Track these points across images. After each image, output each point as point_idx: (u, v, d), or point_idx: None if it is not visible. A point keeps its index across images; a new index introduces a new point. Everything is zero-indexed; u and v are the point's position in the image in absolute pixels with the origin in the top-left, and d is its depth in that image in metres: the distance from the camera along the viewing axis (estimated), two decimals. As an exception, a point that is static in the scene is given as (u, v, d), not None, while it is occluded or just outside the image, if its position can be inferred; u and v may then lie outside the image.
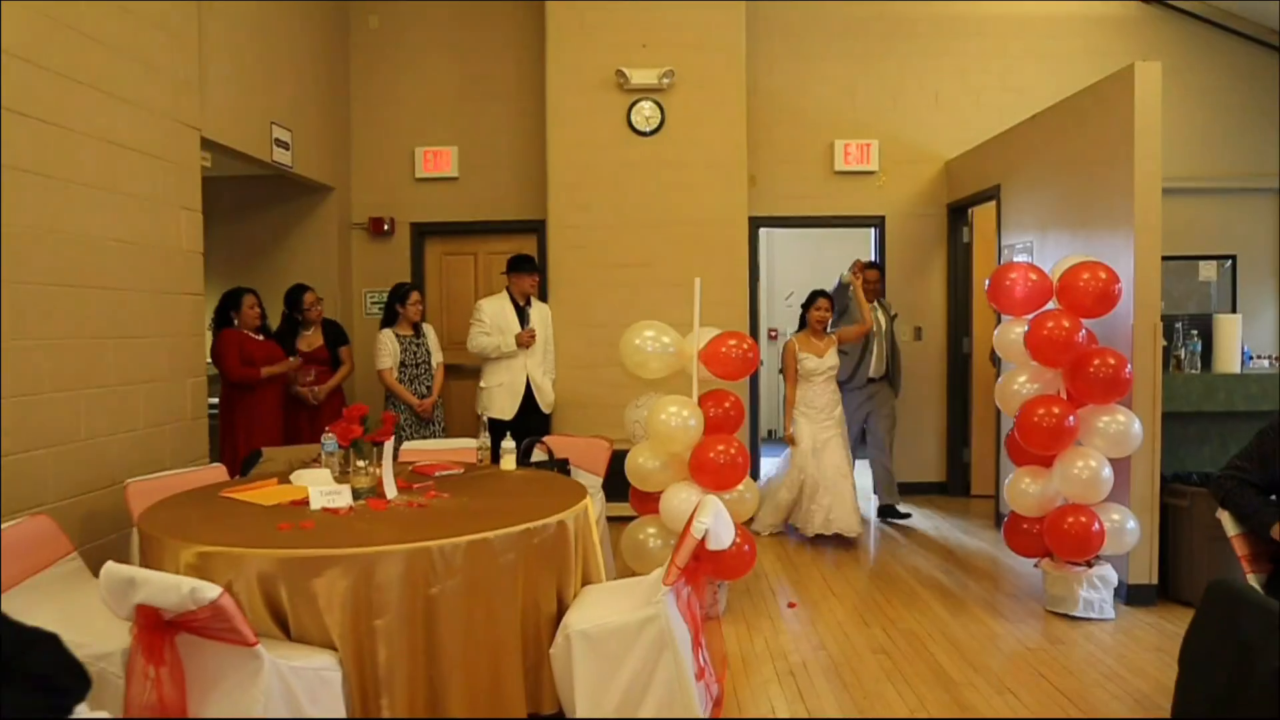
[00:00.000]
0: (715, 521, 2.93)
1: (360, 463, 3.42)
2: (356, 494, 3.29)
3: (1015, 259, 5.69)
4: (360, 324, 6.96)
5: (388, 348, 5.69)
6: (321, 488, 3.27)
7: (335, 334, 5.85)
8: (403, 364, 5.70)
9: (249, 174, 6.22)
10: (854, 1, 7.08)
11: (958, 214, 6.94)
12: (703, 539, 2.86)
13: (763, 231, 7.74)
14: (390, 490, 3.34)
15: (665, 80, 6.29)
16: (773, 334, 9.61)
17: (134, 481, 3.68)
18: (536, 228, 6.83)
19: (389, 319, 5.77)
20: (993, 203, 6.20)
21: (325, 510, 3.13)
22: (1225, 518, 3.06)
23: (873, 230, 7.17)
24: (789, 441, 5.85)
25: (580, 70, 6.38)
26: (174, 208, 4.61)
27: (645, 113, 6.37)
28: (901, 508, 6.41)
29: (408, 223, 7.08)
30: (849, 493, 5.71)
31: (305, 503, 3.21)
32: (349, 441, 3.29)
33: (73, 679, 1.79)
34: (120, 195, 4.14)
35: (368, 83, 7.06)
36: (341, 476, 3.56)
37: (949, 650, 3.92)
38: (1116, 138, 4.54)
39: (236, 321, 5.29)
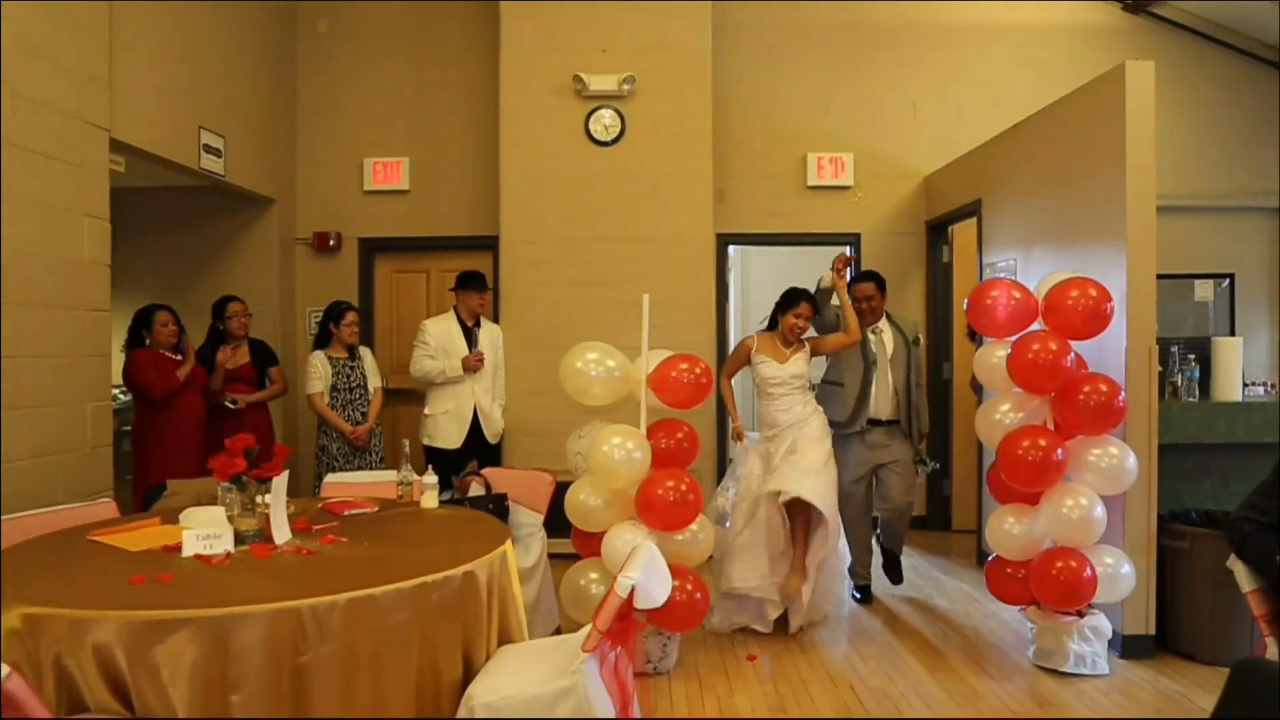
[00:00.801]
0: (646, 575, 2.49)
1: (262, 498, 2.99)
2: (240, 538, 2.85)
3: (999, 277, 5.30)
4: (304, 346, 6.49)
5: (318, 371, 5.26)
6: (199, 530, 2.81)
7: (263, 354, 5.41)
8: (335, 388, 5.26)
9: (183, 184, 5.82)
10: (829, 4, 6.75)
11: (937, 231, 6.57)
12: (630, 597, 2.43)
13: (738, 249, 7.38)
14: (280, 534, 2.89)
15: (626, 86, 5.91)
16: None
17: (8, 519, 3.22)
18: (492, 244, 6.41)
19: (322, 340, 5.34)
20: (973, 219, 5.83)
21: (197, 558, 2.69)
22: (1239, 569, 2.65)
23: (848, 248, 6.78)
24: (735, 438, 4.56)
25: (536, 76, 6.00)
26: (75, 215, 4.19)
27: (605, 121, 5.98)
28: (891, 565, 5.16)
29: (355, 238, 6.67)
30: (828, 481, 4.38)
31: (179, 548, 2.76)
32: (227, 477, 2.84)
33: None
34: (12, 200, 3.72)
35: (315, 90, 6.67)
36: (238, 516, 3.12)
37: (924, 714, 3.49)
38: (1107, 144, 4.18)
39: (148, 341, 4.85)
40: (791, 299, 4.55)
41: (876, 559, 5.16)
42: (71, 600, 2.28)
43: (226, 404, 5.13)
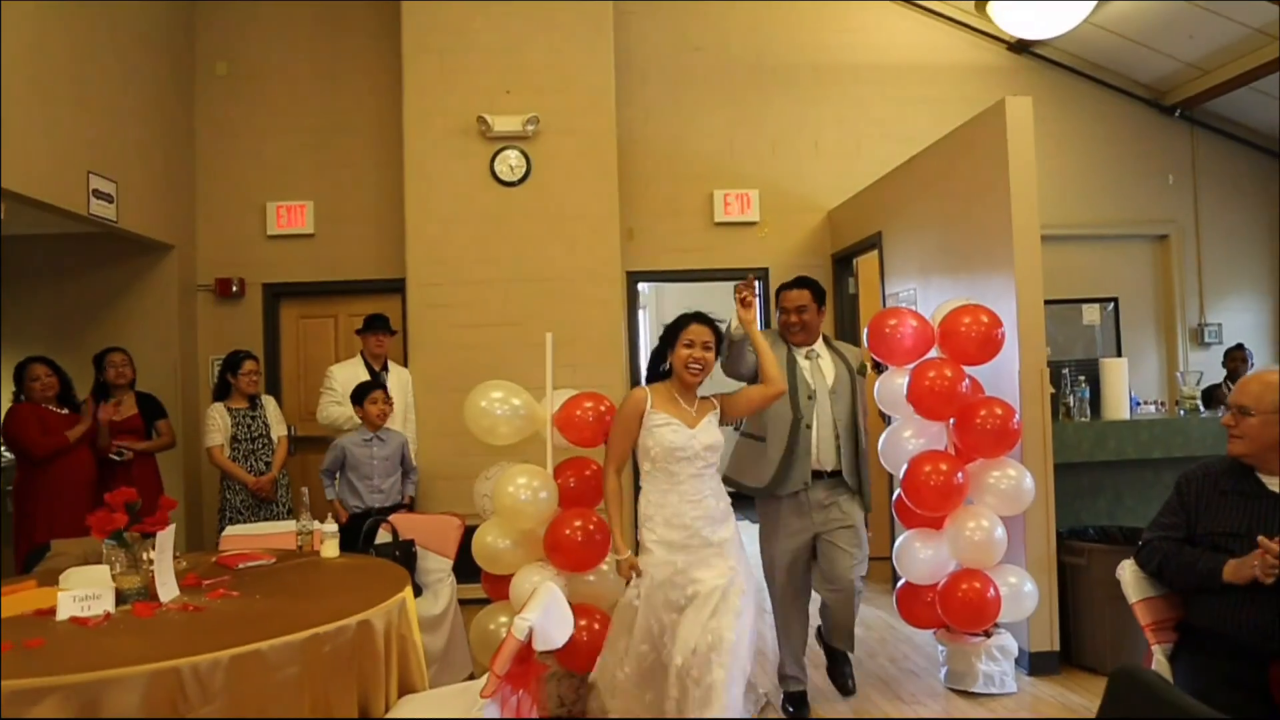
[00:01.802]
0: (544, 616, 2.45)
1: (148, 554, 2.86)
2: (122, 597, 2.71)
3: (897, 307, 5.44)
4: (206, 396, 6.27)
5: (216, 423, 5.10)
6: (76, 591, 2.68)
7: (151, 407, 5.23)
8: (236, 439, 5.10)
9: (71, 231, 5.60)
10: (731, 45, 6.90)
11: (842, 264, 6.72)
12: (527, 639, 2.38)
13: (651, 286, 7.42)
14: (166, 591, 2.77)
15: (530, 127, 5.94)
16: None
17: None
18: (400, 286, 6.31)
19: (220, 391, 5.18)
20: (875, 251, 5.99)
21: (73, 620, 2.55)
22: (1126, 580, 2.72)
23: (758, 282, 6.86)
24: (624, 572, 3.21)
25: (440, 117, 5.98)
26: (-51, 265, 4.00)
27: (510, 161, 5.99)
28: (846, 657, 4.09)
29: (260, 283, 6.51)
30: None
31: (54, 612, 2.62)
32: (105, 534, 2.72)
33: None
34: None
35: (214, 133, 6.53)
36: (126, 574, 2.97)
37: (838, 742, 3.49)
38: (992, 176, 4.35)
39: (24, 396, 4.64)
40: (677, 324, 3.28)
41: (816, 657, 4.11)
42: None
43: (113, 456, 4.93)
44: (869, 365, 4.15)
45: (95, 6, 5.29)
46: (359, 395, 4.84)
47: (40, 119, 4.77)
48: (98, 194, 5.26)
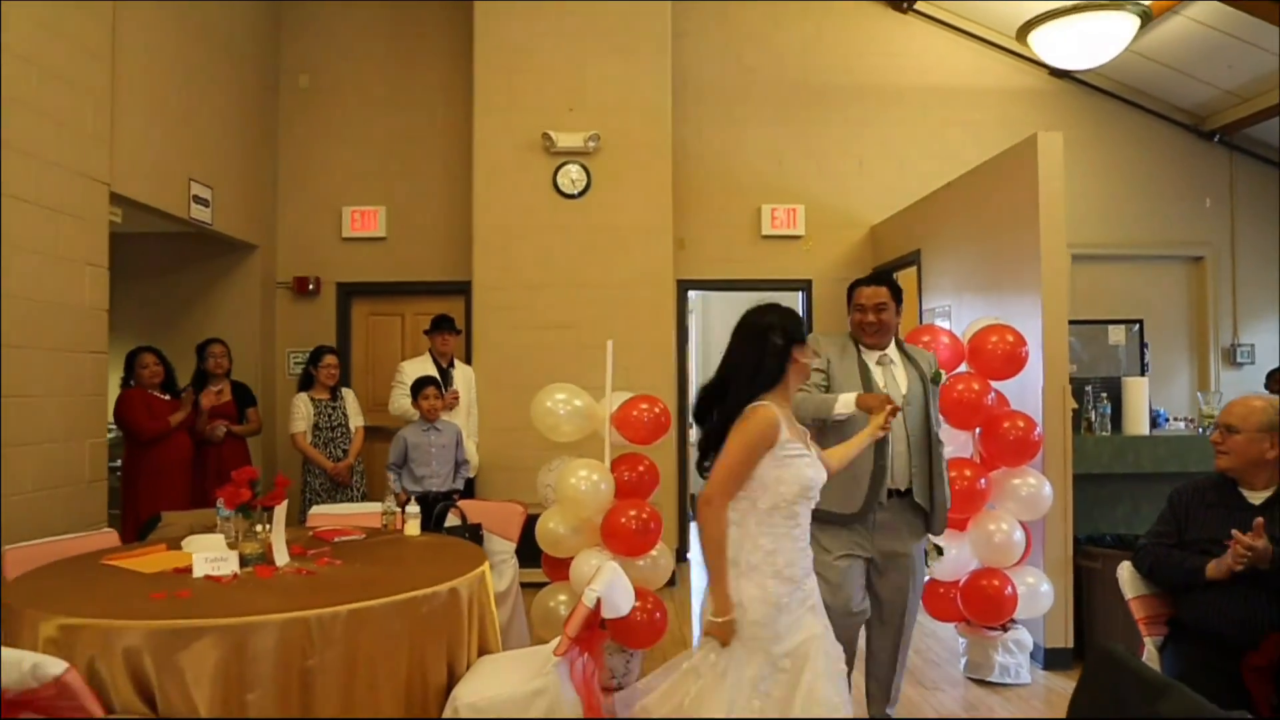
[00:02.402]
0: (609, 589, 2.85)
1: (261, 527, 3.30)
2: (244, 560, 3.15)
3: (935, 322, 5.77)
4: (283, 385, 6.79)
5: (301, 411, 5.57)
6: (207, 554, 3.13)
7: (243, 395, 5.71)
8: (318, 427, 5.57)
9: (169, 230, 6.11)
10: (782, 66, 7.26)
11: (883, 278, 7.02)
12: (596, 607, 2.78)
13: (698, 294, 7.79)
14: (280, 557, 3.21)
15: (591, 144, 6.34)
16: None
17: (12, 548, 3.50)
18: (464, 289, 6.78)
19: (305, 383, 5.67)
20: (914, 267, 6.30)
21: (208, 578, 3.00)
22: (1124, 579, 3.06)
23: (800, 294, 7.24)
24: (722, 636, 2.50)
25: (507, 133, 6.41)
26: (79, 264, 4.49)
27: (571, 175, 6.40)
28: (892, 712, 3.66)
29: (334, 282, 7.00)
30: None
31: (189, 570, 3.07)
32: (235, 506, 3.16)
33: None
34: (23, 252, 4.03)
35: (296, 141, 7.02)
36: (236, 542, 3.43)
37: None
38: (1023, 205, 4.66)
39: (133, 381, 5.14)
40: (794, 320, 2.65)
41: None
42: (102, 613, 2.58)
43: (213, 435, 5.40)
44: (943, 373, 3.82)
45: (192, 23, 5.77)
46: (415, 390, 5.28)
47: (148, 130, 5.28)
48: (197, 199, 5.76)
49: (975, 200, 5.32)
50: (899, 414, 3.17)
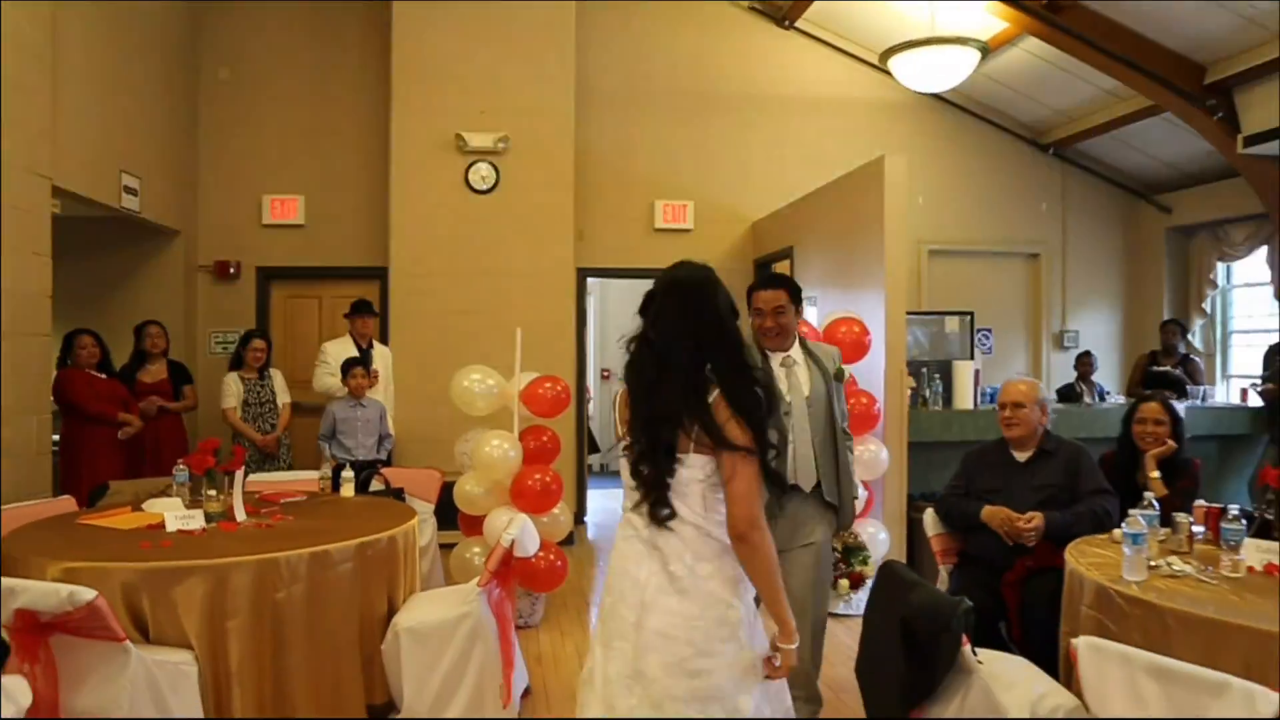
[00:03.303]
0: (522, 534, 3.54)
1: (210, 491, 3.85)
2: (209, 518, 3.71)
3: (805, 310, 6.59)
4: (204, 363, 7.19)
5: (231, 388, 6.05)
6: (176, 513, 3.68)
7: (180, 373, 6.14)
8: (247, 403, 6.05)
9: (94, 216, 6.43)
10: (675, 74, 7.95)
11: (762, 267, 7.86)
12: (510, 547, 3.47)
13: (596, 280, 8.47)
14: (240, 514, 3.78)
15: (501, 144, 6.93)
16: (605, 374, 10.35)
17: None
18: (379, 274, 7.30)
19: (235, 363, 6.13)
20: (788, 260, 7.12)
21: (180, 532, 3.55)
22: (928, 522, 3.92)
23: (689, 282, 7.97)
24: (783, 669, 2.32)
25: (423, 133, 6.94)
26: (26, 253, 4.87)
27: (482, 173, 6.98)
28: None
29: (254, 266, 7.41)
30: None
31: (161, 526, 3.60)
32: (203, 470, 3.72)
33: None
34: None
35: (217, 132, 7.38)
36: (191, 504, 3.96)
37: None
38: (872, 214, 5.49)
39: (70, 361, 5.52)
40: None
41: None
42: (100, 558, 3.13)
43: (148, 411, 5.82)
44: (846, 370, 3.82)
45: (119, 19, 6.09)
46: (345, 369, 5.84)
47: (85, 125, 5.63)
48: (127, 189, 6.14)
49: (836, 206, 6.15)
50: (807, 413, 3.35)
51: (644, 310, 2.35)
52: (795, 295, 3.54)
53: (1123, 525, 2.81)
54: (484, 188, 7.00)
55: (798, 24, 8.04)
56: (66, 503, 4.38)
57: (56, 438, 5.70)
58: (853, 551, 3.15)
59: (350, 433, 5.77)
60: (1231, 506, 2.96)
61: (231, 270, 7.33)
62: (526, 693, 3.81)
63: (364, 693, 3.44)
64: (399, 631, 3.44)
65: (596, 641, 2.32)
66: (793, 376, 3.47)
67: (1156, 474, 3.70)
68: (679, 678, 2.15)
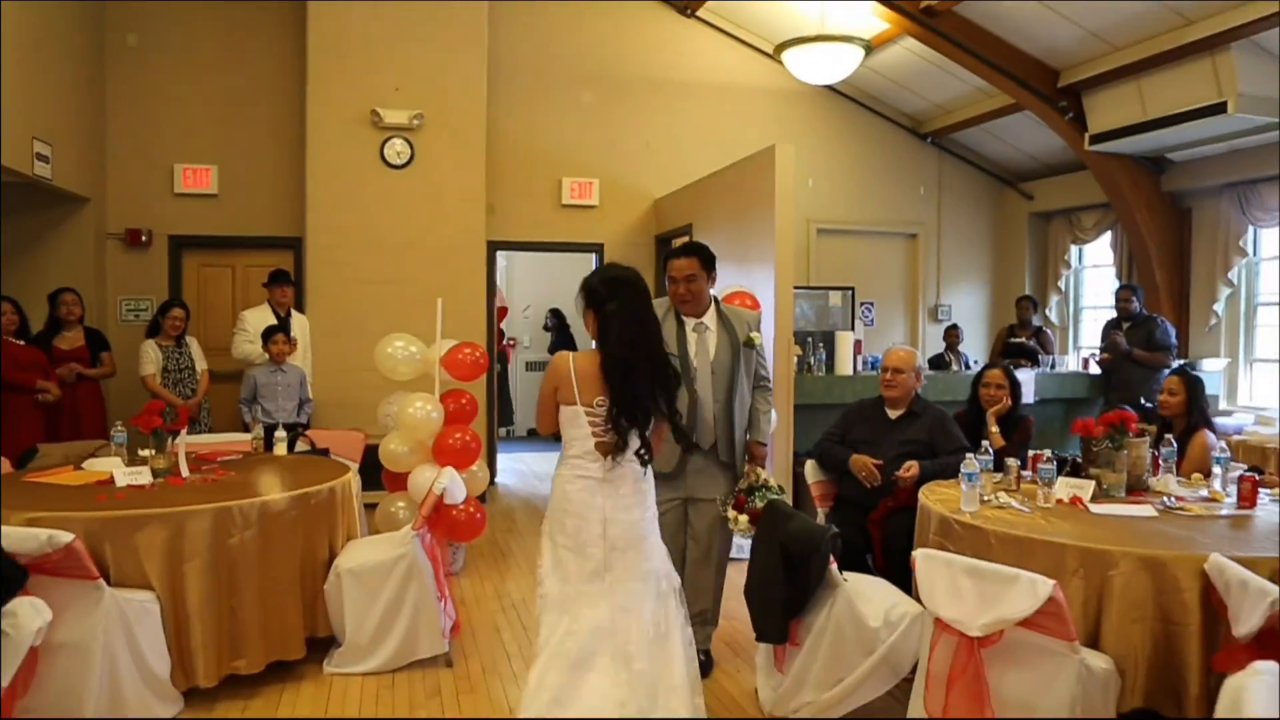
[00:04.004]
0: (450, 483, 3.95)
1: (146, 451, 4.12)
2: (155, 473, 3.99)
3: (702, 285, 7.10)
4: (115, 330, 7.23)
5: (150, 355, 6.20)
6: (125, 469, 3.95)
7: (97, 340, 6.25)
8: (166, 370, 6.22)
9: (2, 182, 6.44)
10: (582, 57, 8.31)
11: (664, 243, 8.35)
12: (441, 495, 3.88)
13: (505, 254, 8.81)
14: (184, 470, 4.07)
15: (415, 121, 7.20)
16: (511, 342, 10.72)
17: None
18: (294, 244, 7.49)
19: (152, 330, 6.28)
20: (687, 237, 7.62)
21: (131, 486, 3.82)
22: (809, 471, 4.50)
23: (594, 255, 8.43)
24: None
25: (338, 107, 7.14)
26: (-54, 222, 4.97)
27: (397, 148, 7.24)
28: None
29: (165, 235, 7.49)
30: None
31: (109, 483, 3.87)
32: (151, 429, 3.99)
33: (14, 571, 2.53)
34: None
35: (126, 98, 7.38)
36: (132, 462, 4.21)
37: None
38: (764, 197, 6.01)
39: None
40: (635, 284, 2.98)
41: None
42: (60, 509, 3.41)
43: (67, 377, 5.93)
44: (756, 337, 3.92)
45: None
46: (266, 336, 6.08)
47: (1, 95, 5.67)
48: (39, 156, 6.17)
49: (732, 188, 6.66)
50: (710, 377, 3.70)
51: (593, 302, 2.94)
52: (707, 262, 3.80)
53: (960, 467, 3.41)
54: (399, 163, 7.26)
55: (699, 14, 8.50)
56: None
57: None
58: (756, 490, 3.61)
59: (271, 397, 6.02)
60: (1046, 451, 3.59)
61: (143, 238, 7.39)
62: (454, 628, 4.22)
63: (306, 628, 3.81)
64: (340, 572, 3.82)
65: (568, 551, 2.90)
66: (702, 341, 3.77)
67: (995, 429, 4.37)
68: (636, 564, 2.92)
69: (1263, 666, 1.99)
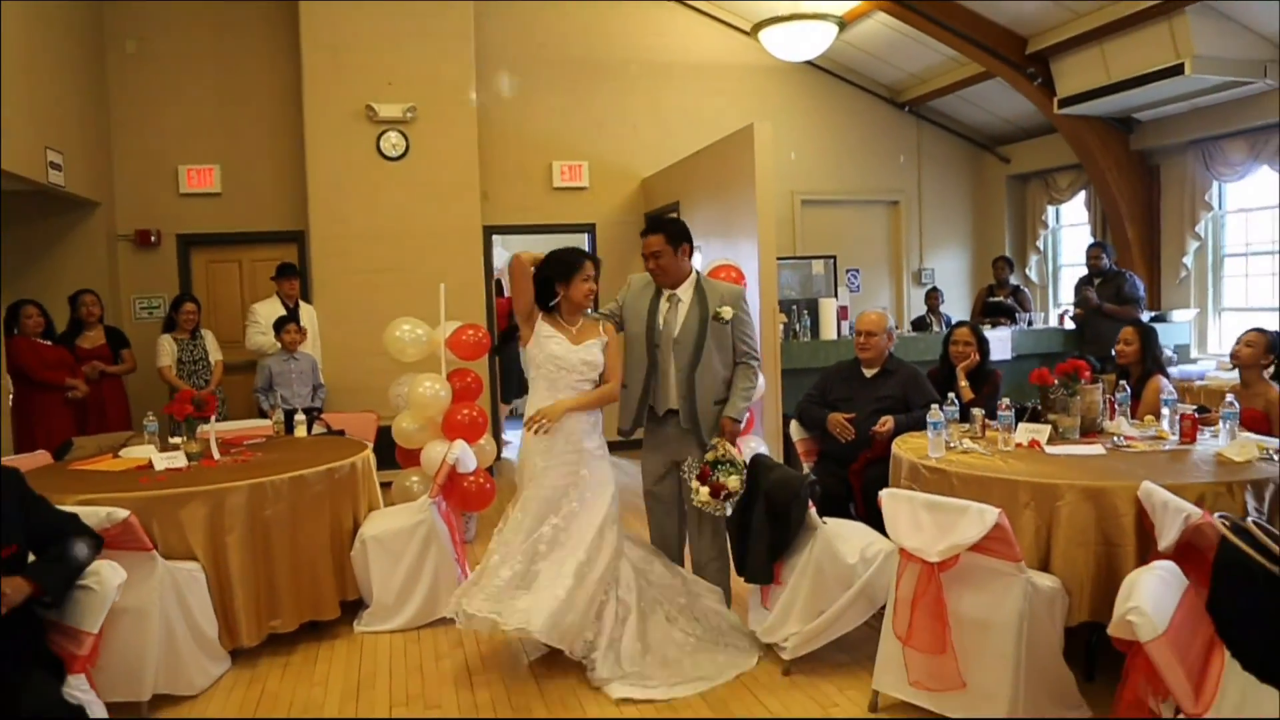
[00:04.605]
0: (463, 453, 4.29)
1: (177, 439, 4.46)
2: (190, 457, 4.32)
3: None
4: (131, 328, 7.52)
5: (165, 348, 6.52)
6: (161, 455, 4.28)
7: (117, 338, 6.57)
8: (181, 361, 6.54)
9: (17, 190, 6.73)
10: (568, 43, 8.58)
11: (652, 222, 8.64)
12: (454, 465, 4.21)
13: (500, 238, 9.10)
14: (216, 453, 4.40)
15: (409, 114, 7.48)
16: (512, 323, 11.05)
17: (-21, 464, 4.46)
18: (297, 237, 7.79)
19: (168, 325, 6.60)
20: (675, 214, 7.92)
21: (169, 470, 4.15)
22: (793, 430, 4.84)
23: (586, 235, 8.73)
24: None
25: (334, 104, 7.41)
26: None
27: (392, 141, 7.52)
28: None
29: (174, 234, 7.78)
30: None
31: (148, 467, 4.20)
32: (184, 417, 4.32)
33: (94, 536, 2.87)
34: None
35: (129, 104, 7.65)
36: (165, 449, 4.55)
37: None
38: (745, 173, 6.32)
39: (16, 330, 5.91)
40: (576, 260, 3.77)
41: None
42: (108, 490, 3.74)
43: (91, 375, 6.26)
44: (725, 311, 3.97)
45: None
46: (278, 327, 6.41)
47: (14, 107, 5.95)
48: (53, 164, 6.46)
49: (715, 166, 6.96)
50: (672, 346, 3.89)
51: (564, 277, 3.73)
52: (673, 237, 3.91)
53: (927, 417, 3.74)
54: (395, 155, 7.55)
55: (678, -6, 8.76)
56: (43, 456, 4.89)
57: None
58: (721, 464, 3.75)
59: (286, 384, 6.35)
60: (1005, 399, 3.92)
61: (152, 238, 7.69)
62: (470, 588, 4.57)
63: (339, 591, 4.16)
64: (365, 539, 4.17)
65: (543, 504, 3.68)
66: (673, 312, 3.95)
67: (965, 383, 4.71)
68: (610, 510, 3.72)
69: (1160, 564, 2.33)
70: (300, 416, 5.12)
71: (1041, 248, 9.45)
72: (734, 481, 3.71)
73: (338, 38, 7.40)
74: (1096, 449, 3.75)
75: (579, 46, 8.64)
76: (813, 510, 3.53)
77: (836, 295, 7.21)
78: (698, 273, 4.10)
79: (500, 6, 8.34)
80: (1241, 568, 2.24)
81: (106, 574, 2.82)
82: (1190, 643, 2.09)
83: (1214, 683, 2.06)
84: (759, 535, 3.64)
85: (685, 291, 3.99)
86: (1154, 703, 2.16)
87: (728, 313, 3.96)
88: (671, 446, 3.98)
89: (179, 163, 7.75)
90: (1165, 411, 4.08)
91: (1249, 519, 2.47)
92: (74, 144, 6.87)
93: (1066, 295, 9.22)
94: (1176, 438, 3.84)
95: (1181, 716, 2.01)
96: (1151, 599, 2.03)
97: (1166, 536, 2.69)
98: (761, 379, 5.74)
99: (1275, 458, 3.33)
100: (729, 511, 3.75)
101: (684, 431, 3.94)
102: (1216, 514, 2.51)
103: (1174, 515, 2.67)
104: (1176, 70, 6.42)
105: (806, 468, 4.77)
